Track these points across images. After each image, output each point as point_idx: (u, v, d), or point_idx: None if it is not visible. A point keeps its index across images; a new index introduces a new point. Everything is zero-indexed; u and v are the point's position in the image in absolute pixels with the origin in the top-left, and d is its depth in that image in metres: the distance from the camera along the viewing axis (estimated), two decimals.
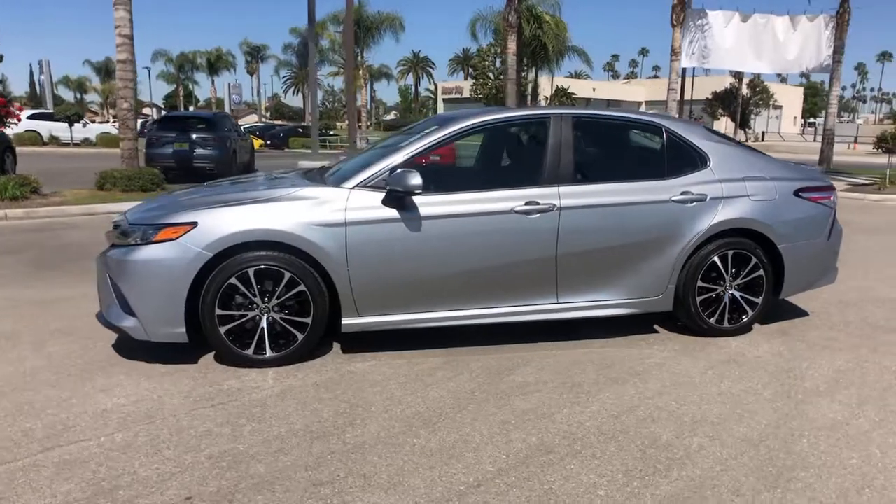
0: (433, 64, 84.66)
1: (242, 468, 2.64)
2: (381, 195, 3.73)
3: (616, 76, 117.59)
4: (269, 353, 3.70)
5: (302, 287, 3.64)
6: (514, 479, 2.60)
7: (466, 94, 61.04)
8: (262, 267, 3.59)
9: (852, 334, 4.47)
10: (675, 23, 19.64)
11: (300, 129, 36.17)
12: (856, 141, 42.05)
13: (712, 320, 4.31)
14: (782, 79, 63.36)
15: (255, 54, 70.90)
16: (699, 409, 3.28)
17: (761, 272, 4.32)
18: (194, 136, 14.95)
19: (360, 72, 41.54)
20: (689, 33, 19.64)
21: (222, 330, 3.61)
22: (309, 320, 3.70)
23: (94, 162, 16.02)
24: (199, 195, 4.09)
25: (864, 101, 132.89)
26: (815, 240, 4.46)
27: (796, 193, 4.39)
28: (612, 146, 4.38)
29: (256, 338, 3.67)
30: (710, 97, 45.94)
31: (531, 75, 50.31)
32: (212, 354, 3.85)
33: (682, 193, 4.14)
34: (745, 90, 43.32)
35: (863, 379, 3.69)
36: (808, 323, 4.71)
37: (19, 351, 3.94)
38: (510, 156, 4.34)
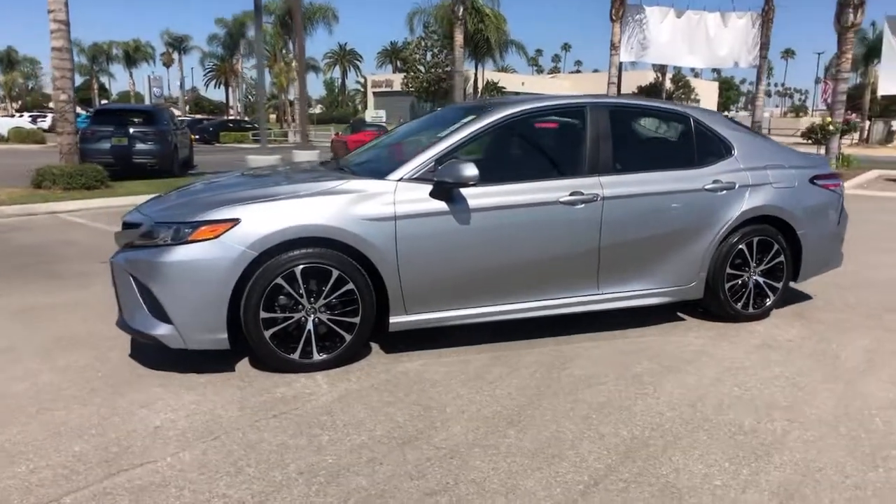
0: (360, 57, 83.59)
1: (343, 482, 2.45)
2: (428, 187, 3.58)
3: (540, 71, 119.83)
4: (315, 356, 3.48)
5: (350, 285, 3.44)
6: (626, 474, 2.54)
7: (397, 88, 60.68)
8: (310, 265, 3.37)
9: (861, 315, 4.69)
10: (614, 18, 20.15)
11: (231, 124, 34.79)
12: (769, 132, 44.64)
13: (738, 305, 4.41)
14: (696, 73, 66.38)
15: (178, 45, 67.63)
16: (763, 393, 3.33)
17: (782, 258, 4.45)
18: (133, 130, 14.06)
19: (294, 64, 40.40)
20: (627, 28, 20.20)
21: (267, 334, 3.36)
22: (357, 320, 3.51)
23: (12, 159, 14.85)
24: (224, 190, 3.80)
25: (770, 96, 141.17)
26: (827, 225, 4.64)
27: (811, 181, 4.55)
28: (644, 135, 4.38)
29: (303, 341, 3.44)
30: (635, 91, 47.58)
31: (473, 68, 50.47)
32: (246, 361, 3.59)
33: (714, 182, 4.19)
34: (668, 84, 45.11)
35: (894, 357, 3.86)
36: (815, 306, 4.90)
37: (25, 365, 3.54)
38: (549, 145, 4.27)
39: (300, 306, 3.41)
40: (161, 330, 3.30)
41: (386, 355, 3.76)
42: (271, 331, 3.37)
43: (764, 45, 20.91)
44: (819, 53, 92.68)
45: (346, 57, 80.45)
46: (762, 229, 4.36)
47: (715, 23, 20.66)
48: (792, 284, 5.16)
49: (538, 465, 2.59)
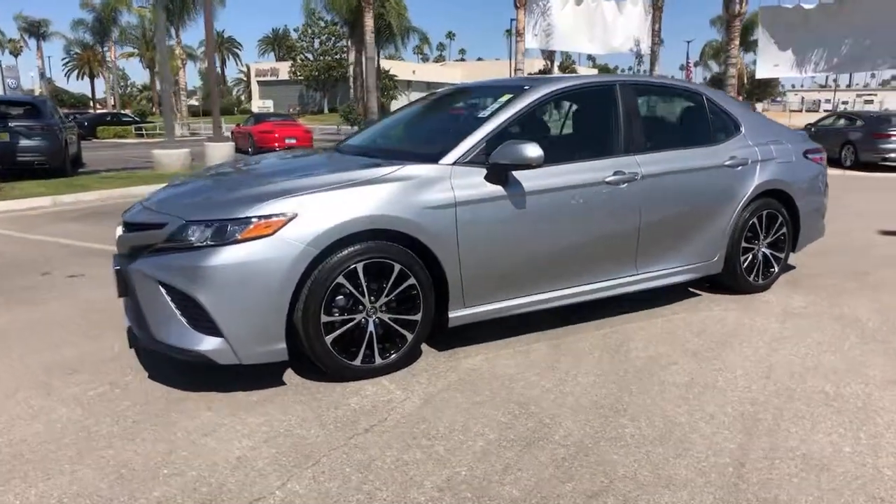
0: (240, 45, 79.73)
1: (494, 495, 2.23)
2: (482, 171, 3.36)
3: (425, 59, 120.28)
4: (378, 360, 3.18)
5: (412, 280, 3.17)
6: (762, 451, 2.51)
7: (284, 77, 58.53)
8: (372, 260, 3.06)
9: (851, 279, 5.01)
10: (518, 4, 20.46)
11: (109, 118, 31.95)
12: None
13: (750, 278, 4.56)
14: (571, 60, 68.98)
15: (35, 31, 60.88)
16: (825, 360, 3.44)
17: (785, 230, 4.65)
18: (14, 124, 12.42)
19: (178, 52, 37.65)
20: (532, 15, 20.59)
21: (328, 339, 3.02)
22: (418, 317, 3.24)
23: None
24: (258, 181, 3.37)
25: None
26: (818, 197, 4.91)
27: (804, 154, 4.78)
28: (666, 113, 4.39)
29: (364, 344, 3.13)
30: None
31: (353, 55, 49.30)
32: (288, 372, 3.22)
33: (731, 158, 4.29)
34: (556, 71, 46.66)
35: None
36: (804, 274, 5.17)
37: (29, 403, 2.96)
38: (586, 124, 4.15)
39: (360, 306, 3.09)
40: (208, 344, 2.86)
41: (440, 353, 3.52)
42: (332, 336, 3.03)
43: (657, 33, 22.14)
44: (688, 41, 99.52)
45: (224, 45, 76.35)
46: (769, 203, 4.52)
47: (611, 10, 21.54)
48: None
49: (676, 453, 2.50)
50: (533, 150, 3.24)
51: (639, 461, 2.44)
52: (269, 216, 2.88)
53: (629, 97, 3.99)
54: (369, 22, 17.17)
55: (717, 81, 44.33)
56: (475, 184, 3.33)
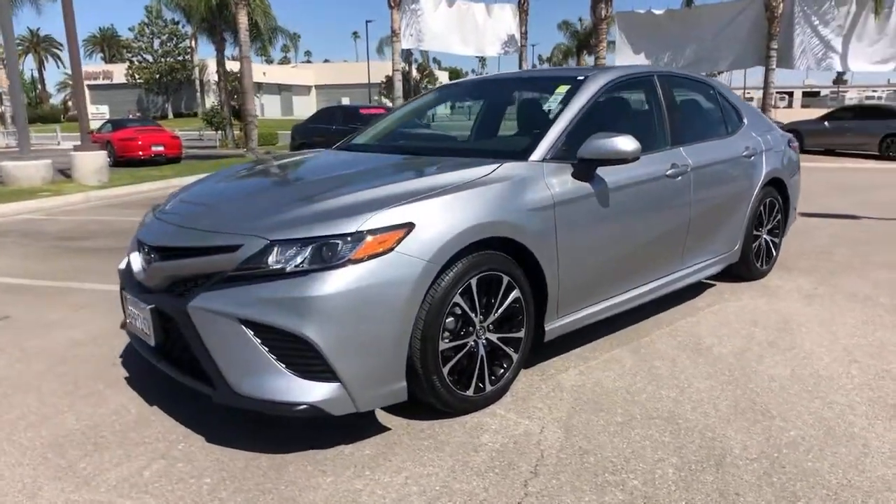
0: (60, 45, 71.28)
1: None
2: (567, 167, 3.07)
3: (270, 61, 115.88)
4: (488, 387, 2.78)
5: (517, 292, 2.81)
6: None
7: (121, 80, 53.31)
8: (484, 274, 2.65)
9: (822, 259, 5.35)
10: (392, 4, 20.18)
11: None
12: None
13: (757, 264, 4.70)
14: (430, 63, 70.13)
15: None
16: (883, 338, 3.56)
17: (780, 216, 4.84)
18: None
19: None
20: (405, 16, 20.41)
21: (446, 369, 2.58)
22: (521, 334, 2.89)
23: None
24: (337, 185, 2.81)
25: None
26: (797, 184, 5.17)
27: (788, 143, 5.01)
28: (689, 105, 4.34)
29: (477, 371, 2.72)
30: (383, 81, 48.73)
31: (197, 57, 46.01)
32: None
33: (745, 149, 4.36)
34: (415, 73, 47.05)
35: None
36: (786, 257, 5.44)
37: (62, 498, 2.19)
38: (636, 117, 3.96)
39: (471, 328, 2.68)
40: (319, 394, 2.30)
41: (527, 371, 3.17)
42: (448, 366, 2.59)
43: (523, 35, 22.93)
44: (533, 45, 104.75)
45: (40, 44, 67.98)
46: (770, 191, 4.68)
47: (482, 12, 21.99)
48: None
49: (860, 452, 2.40)
50: (628, 144, 3.00)
51: (836, 465, 2.31)
52: (385, 229, 2.37)
53: (667, 88, 3.91)
54: (243, 20, 15.95)
55: None
56: (565, 181, 3.03)
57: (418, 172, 2.93)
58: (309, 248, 2.32)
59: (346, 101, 62.97)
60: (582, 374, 3.13)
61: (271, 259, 2.33)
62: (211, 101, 50.90)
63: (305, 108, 65.49)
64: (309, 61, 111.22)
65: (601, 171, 3.17)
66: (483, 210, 2.63)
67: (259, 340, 2.30)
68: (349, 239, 2.32)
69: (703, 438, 2.52)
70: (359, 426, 2.61)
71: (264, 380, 2.32)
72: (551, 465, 2.35)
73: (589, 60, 41.86)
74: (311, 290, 2.25)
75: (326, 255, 2.31)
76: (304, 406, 2.29)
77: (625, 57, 22.59)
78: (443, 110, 4.41)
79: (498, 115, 3.94)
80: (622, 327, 3.72)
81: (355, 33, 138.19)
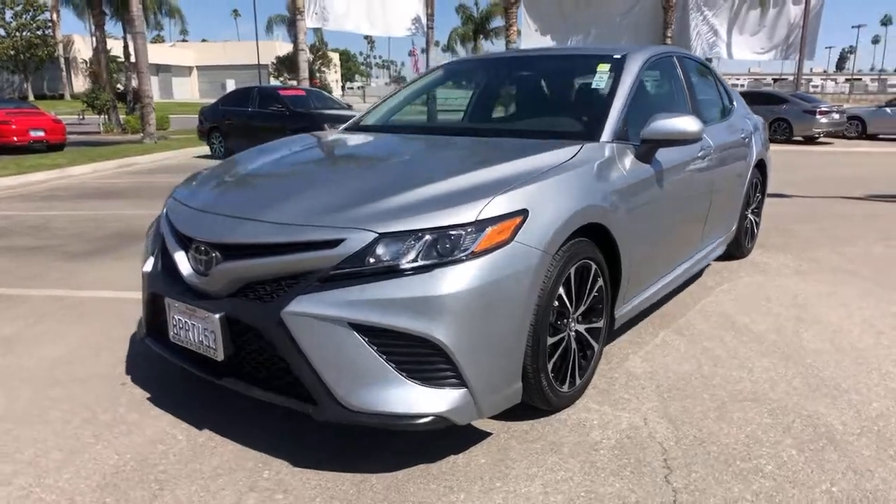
0: None
1: None
2: (630, 147, 2.97)
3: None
4: (577, 380, 2.65)
5: (600, 281, 2.69)
6: None
7: None
8: (580, 262, 2.50)
9: (786, 235, 5.68)
10: None
11: None
12: None
13: (745, 242, 4.88)
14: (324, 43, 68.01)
15: None
16: (880, 311, 3.79)
17: (760, 196, 5.06)
18: None
19: None
20: None
21: (549, 365, 2.41)
22: (601, 323, 2.77)
23: None
24: (416, 169, 2.53)
25: (371, 67, 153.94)
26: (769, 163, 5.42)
27: (762, 126, 5.22)
28: (701, 87, 4.35)
29: (570, 364, 2.57)
30: (274, 62, 46.70)
31: (59, 33, 41.85)
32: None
33: (742, 131, 4.48)
34: (308, 55, 45.39)
35: (880, 259, 4.80)
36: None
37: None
38: (663, 96, 3.88)
39: (565, 320, 2.52)
40: (446, 402, 2.06)
41: None
42: (552, 361, 2.43)
43: (430, 17, 22.69)
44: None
45: None
46: (756, 172, 4.85)
47: None
48: None
49: None
50: (693, 124, 2.94)
51: None
52: (504, 216, 2.15)
53: (685, 69, 3.92)
54: None
55: None
56: (630, 162, 2.93)
57: (499, 155, 2.70)
58: (424, 241, 2.06)
59: (231, 83, 59.78)
60: (645, 361, 3.07)
61: (380, 254, 2.05)
62: (80, 81, 46.45)
63: (187, 90, 61.48)
64: (185, 40, 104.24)
65: (658, 152, 3.10)
66: (581, 194, 2.47)
67: (375, 347, 2.02)
68: (470, 229, 2.09)
69: (800, 417, 2.53)
70: (453, 433, 2.38)
71: (381, 391, 2.04)
72: (679, 458, 2.26)
73: (486, 45, 42.33)
74: (439, 287, 2.00)
75: (445, 247, 2.06)
76: (430, 418, 2.04)
77: (531, 40, 22.98)
78: (445, 90, 4.16)
79: (525, 93, 3.75)
80: (651, 311, 3.71)
81: (235, 11, 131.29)
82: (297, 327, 2.04)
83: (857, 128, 18.32)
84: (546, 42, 22.86)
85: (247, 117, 12.44)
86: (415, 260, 2.04)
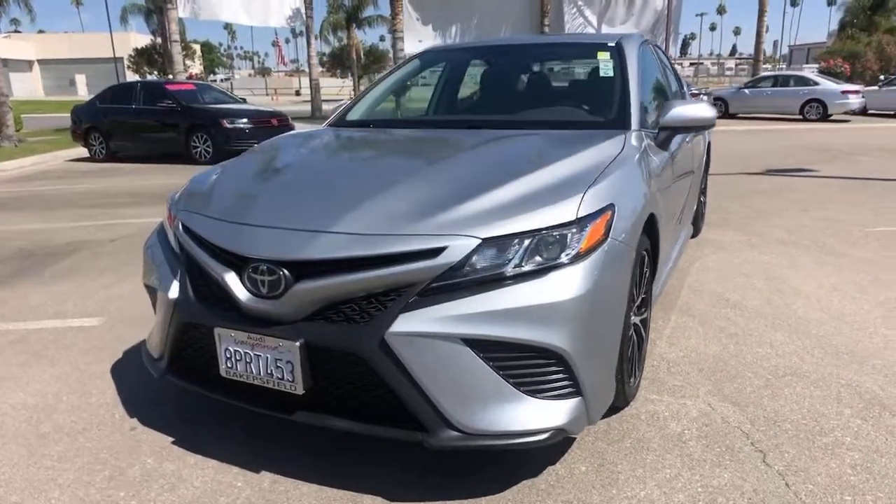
0: None
1: None
2: (650, 134, 2.98)
3: None
4: (638, 373, 2.62)
5: (647, 271, 2.68)
6: None
7: None
8: (642, 254, 2.47)
9: (721, 213, 6.05)
10: None
11: None
12: (276, 93, 47.27)
13: (699, 221, 5.14)
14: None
15: None
16: (843, 279, 4.13)
17: (705, 175, 5.34)
18: None
19: None
20: None
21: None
22: (648, 314, 2.77)
23: None
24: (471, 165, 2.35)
25: (233, 59, 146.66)
26: None
27: None
28: (671, 71, 4.43)
29: (637, 357, 2.55)
30: (132, 54, 43.09)
31: None
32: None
33: None
34: (170, 47, 42.29)
35: (813, 230, 5.24)
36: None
37: None
38: (656, 80, 3.86)
39: (631, 314, 2.48)
40: (564, 413, 1.94)
41: None
42: (626, 356, 2.38)
43: (308, 5, 21.94)
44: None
45: None
46: (707, 153, 5.11)
47: None
48: None
49: None
50: (709, 111, 3.00)
51: None
52: (598, 213, 2.05)
53: (658, 54, 4.01)
54: None
55: (338, 55, 46.40)
56: (655, 149, 2.94)
57: (551, 149, 2.58)
58: (527, 244, 1.92)
59: (80, 79, 54.45)
60: (672, 345, 3.12)
61: (484, 261, 1.89)
62: None
63: (28, 87, 55.37)
64: (17, 31, 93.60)
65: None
66: (642, 185, 2.44)
67: (490, 363, 1.86)
68: (574, 228, 1.97)
69: (847, 387, 2.67)
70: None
71: (499, 410, 1.89)
72: (763, 440, 2.30)
73: (359, 34, 41.66)
74: (557, 293, 1.87)
75: (552, 249, 1.93)
76: (550, 433, 1.92)
77: (413, 32, 22.80)
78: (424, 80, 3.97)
79: (534, 83, 3.64)
80: None
81: (78, 0, 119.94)
82: (404, 349, 1.83)
83: (721, 108, 20.00)
84: (428, 31, 22.89)
85: (133, 115, 11.33)
86: (520, 265, 1.90)
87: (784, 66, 49.38)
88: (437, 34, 23.02)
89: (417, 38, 23.05)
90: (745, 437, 2.31)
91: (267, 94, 47.23)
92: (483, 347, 1.85)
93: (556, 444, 2.22)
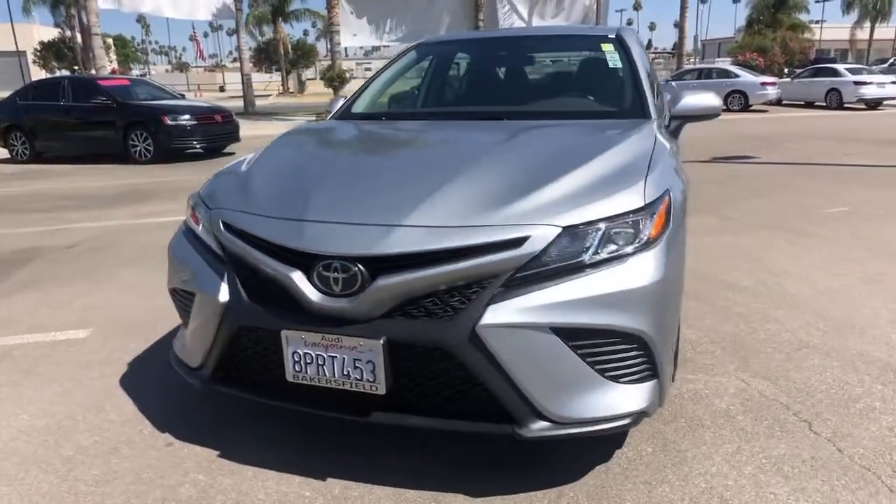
0: None
1: None
2: (662, 123, 3.06)
3: None
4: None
5: None
6: None
7: None
8: None
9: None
10: None
11: None
12: (199, 89, 45.45)
13: None
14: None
15: None
16: (821, 258, 4.39)
17: None
18: None
19: None
20: None
21: None
22: None
23: None
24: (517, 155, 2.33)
25: (147, 53, 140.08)
26: None
27: None
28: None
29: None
30: (37, 48, 40.36)
31: None
32: None
33: None
34: (79, 39, 39.85)
35: (775, 213, 5.52)
36: None
37: None
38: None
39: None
40: (643, 396, 1.96)
41: None
42: None
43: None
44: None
45: None
46: None
47: None
48: None
49: None
50: (716, 100, 3.12)
51: None
52: (660, 199, 2.08)
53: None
54: None
55: (264, 50, 45.05)
56: (669, 138, 3.02)
57: (591, 137, 2.60)
58: (603, 231, 1.93)
59: None
60: (689, 327, 3.22)
61: (564, 250, 1.89)
62: None
63: None
64: None
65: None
66: (680, 171, 2.50)
67: (577, 351, 1.86)
68: (644, 214, 2.00)
69: (859, 357, 2.83)
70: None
71: (587, 397, 1.89)
72: (803, 410, 2.41)
73: (287, 28, 40.62)
74: (638, 278, 1.89)
75: (628, 235, 1.95)
76: (634, 416, 1.94)
77: (348, 26, 22.40)
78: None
79: (526, 73, 3.62)
80: None
81: None
82: (494, 341, 1.80)
83: None
84: (363, 25, 22.63)
85: (61, 113, 10.62)
86: (597, 252, 1.91)
87: (697, 60, 51.74)
88: (373, 28, 22.80)
89: (352, 32, 22.74)
90: (787, 409, 2.42)
91: (189, 91, 45.31)
92: (569, 335, 1.85)
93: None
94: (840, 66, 20.54)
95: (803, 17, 38.56)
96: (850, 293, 3.61)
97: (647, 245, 1.96)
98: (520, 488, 2.02)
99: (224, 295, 2.08)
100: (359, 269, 1.87)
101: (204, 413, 2.52)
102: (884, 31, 45.85)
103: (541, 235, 1.86)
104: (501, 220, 1.91)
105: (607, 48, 3.38)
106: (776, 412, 2.40)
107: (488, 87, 3.52)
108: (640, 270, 1.91)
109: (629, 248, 1.93)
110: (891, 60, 33.72)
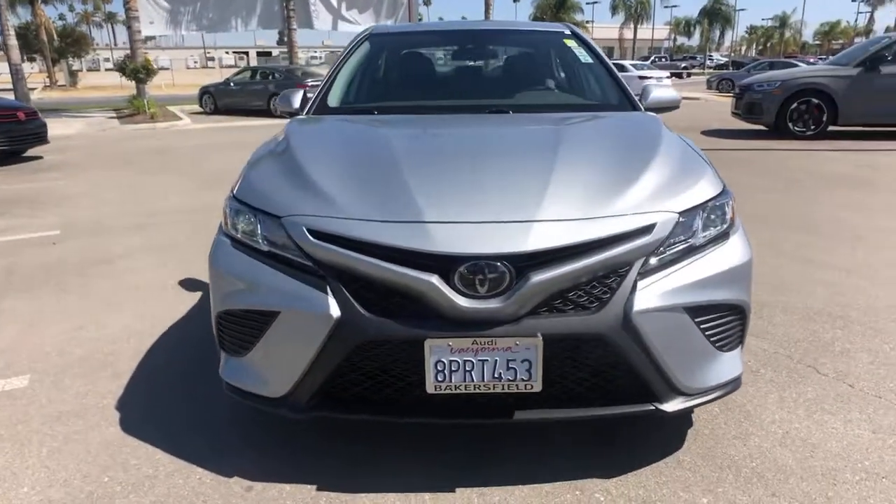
0: None
1: None
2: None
3: None
4: None
5: None
6: None
7: None
8: None
9: None
10: None
11: None
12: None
13: None
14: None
15: None
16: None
17: None
18: None
19: None
20: None
21: None
22: None
23: None
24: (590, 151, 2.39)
25: None
26: None
27: None
28: None
29: None
30: None
31: None
32: None
33: None
34: None
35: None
36: None
37: None
38: None
39: None
40: (739, 364, 2.16)
41: None
42: None
43: None
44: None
45: None
46: None
47: None
48: None
49: None
50: (676, 92, 3.45)
51: None
52: (725, 192, 2.30)
53: None
54: None
55: (22, 36, 38.91)
56: None
57: (626, 129, 2.74)
58: (703, 216, 2.10)
59: None
60: None
61: (681, 234, 2.02)
62: None
63: None
64: None
65: None
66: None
67: (698, 326, 2.01)
68: (726, 198, 2.20)
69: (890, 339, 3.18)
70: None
71: (707, 367, 2.05)
72: (809, 358, 2.83)
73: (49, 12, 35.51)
74: (739, 256, 2.10)
75: (718, 219, 2.14)
76: (736, 381, 2.15)
77: (145, 13, 20.19)
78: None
79: (520, 68, 3.62)
80: None
81: None
82: (646, 325, 1.88)
83: None
84: (161, 13, 20.68)
85: None
86: (704, 235, 2.08)
87: None
88: (169, 18, 20.93)
89: (149, 20, 20.61)
90: (790, 359, 2.82)
91: None
92: (695, 313, 1.99)
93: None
94: (626, 62, 23.36)
95: (578, 17, 43.05)
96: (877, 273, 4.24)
97: (734, 225, 2.18)
98: (643, 462, 2.12)
99: (334, 309, 1.87)
100: (507, 267, 1.82)
101: (260, 447, 2.24)
102: (646, 32, 53.16)
103: (665, 221, 1.97)
104: (627, 210, 1.98)
105: (571, 43, 3.57)
106: (785, 363, 2.79)
107: (475, 81, 3.52)
108: (738, 248, 2.12)
109: (724, 228, 2.13)
110: (652, 58, 39.14)
